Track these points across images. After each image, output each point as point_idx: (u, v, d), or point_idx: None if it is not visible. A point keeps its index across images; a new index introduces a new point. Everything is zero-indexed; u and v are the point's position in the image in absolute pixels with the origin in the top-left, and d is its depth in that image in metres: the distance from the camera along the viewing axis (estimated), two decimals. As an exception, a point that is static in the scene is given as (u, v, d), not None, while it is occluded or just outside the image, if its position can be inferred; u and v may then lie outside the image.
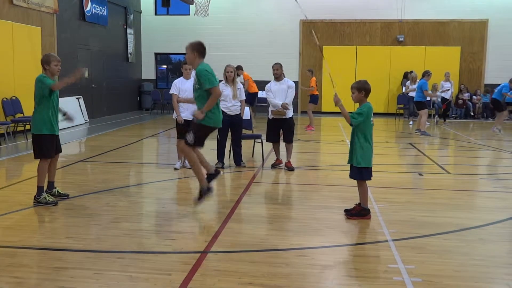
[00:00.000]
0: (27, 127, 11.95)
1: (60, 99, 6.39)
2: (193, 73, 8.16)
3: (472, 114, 19.56)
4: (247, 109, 9.31)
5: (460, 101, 19.34)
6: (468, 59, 19.98)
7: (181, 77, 8.37)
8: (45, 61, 6.10)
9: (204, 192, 5.91)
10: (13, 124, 11.87)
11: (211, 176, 6.01)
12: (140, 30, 21.23)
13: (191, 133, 5.85)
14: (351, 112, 5.61)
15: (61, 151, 6.49)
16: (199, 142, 5.89)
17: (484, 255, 4.64)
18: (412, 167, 9.52)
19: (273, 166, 8.77)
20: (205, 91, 5.76)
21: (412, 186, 7.79)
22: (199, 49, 5.83)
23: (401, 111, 19.39)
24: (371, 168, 5.69)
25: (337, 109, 5.88)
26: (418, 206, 6.32)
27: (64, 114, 6.46)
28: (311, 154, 11.08)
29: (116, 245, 4.78)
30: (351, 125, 5.64)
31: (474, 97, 19.72)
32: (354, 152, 5.64)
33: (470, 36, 19.87)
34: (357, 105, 5.73)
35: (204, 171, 6.01)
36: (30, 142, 6.52)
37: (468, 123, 18.09)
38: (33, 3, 13.39)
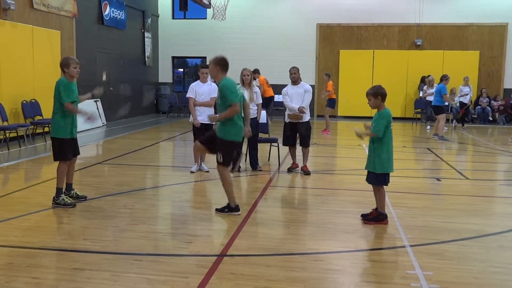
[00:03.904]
0: (46, 129, 12.11)
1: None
2: (210, 81, 8.25)
3: (490, 119, 19.29)
4: (263, 113, 9.32)
5: (501, 107, 18.98)
6: (487, 63, 19.75)
7: (198, 81, 8.41)
8: (64, 64, 6.17)
9: (230, 209, 5.98)
10: (32, 126, 12.02)
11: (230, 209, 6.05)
12: (158, 34, 21.38)
13: (219, 153, 5.94)
14: (374, 127, 5.54)
15: (79, 154, 6.56)
16: (228, 158, 5.96)
17: (504, 263, 4.57)
18: (429, 172, 9.43)
19: (289, 170, 8.75)
20: (227, 105, 5.85)
21: (430, 192, 7.71)
22: (221, 63, 5.96)
23: (419, 116, 19.23)
24: (389, 173, 5.65)
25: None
26: (436, 212, 6.25)
27: (89, 117, 6.51)
28: (327, 158, 11.03)
29: (133, 247, 4.81)
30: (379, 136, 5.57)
31: (493, 102, 19.46)
32: (374, 158, 5.58)
33: (489, 40, 19.64)
34: (375, 110, 5.69)
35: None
36: (49, 144, 6.60)
37: (486, 128, 17.87)
38: (53, 7, 13.57)
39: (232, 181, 6.08)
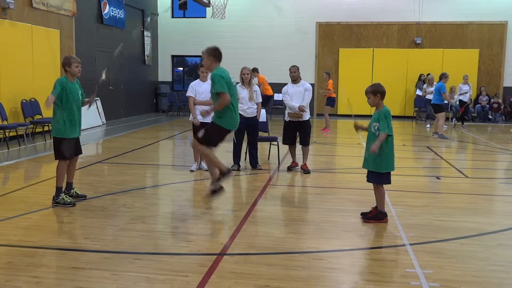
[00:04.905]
0: (46, 128, 12.11)
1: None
2: (210, 79, 8.23)
3: (490, 117, 19.28)
4: (263, 111, 9.32)
5: (495, 105, 18.97)
6: (487, 61, 19.74)
7: (198, 79, 8.41)
8: (66, 63, 6.17)
9: (224, 175, 5.96)
10: (32, 125, 12.02)
11: (223, 175, 6.04)
12: (157, 32, 21.37)
13: (202, 130, 5.99)
14: (382, 128, 5.49)
15: (81, 153, 6.56)
16: (209, 140, 5.95)
17: (504, 261, 4.57)
18: (429, 171, 9.43)
19: (289, 169, 8.76)
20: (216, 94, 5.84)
21: (430, 190, 7.72)
22: (215, 54, 5.93)
23: (420, 114, 19.14)
24: (391, 172, 5.65)
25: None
26: (436, 210, 6.25)
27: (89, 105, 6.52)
28: (327, 156, 11.04)
29: (133, 246, 4.81)
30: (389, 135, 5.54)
31: (492, 100, 19.43)
32: (377, 157, 5.54)
33: (489, 39, 19.63)
34: (374, 108, 5.69)
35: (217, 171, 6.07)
36: (49, 143, 6.60)
37: (486, 126, 17.88)
38: (52, 6, 13.56)
39: (213, 153, 6.02)
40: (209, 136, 5.94)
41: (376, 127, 5.55)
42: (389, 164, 5.57)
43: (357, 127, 5.90)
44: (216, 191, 6.03)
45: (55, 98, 5.99)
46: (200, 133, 5.97)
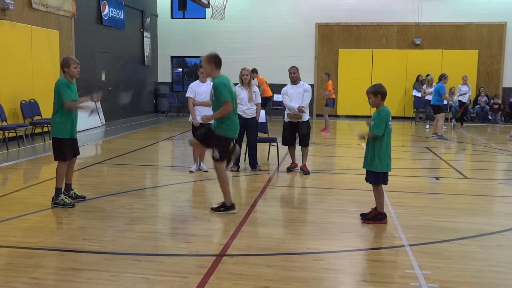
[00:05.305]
0: (45, 129, 12.10)
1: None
2: (209, 81, 8.24)
3: (490, 118, 19.28)
4: (262, 112, 9.32)
5: (496, 106, 18.98)
6: (486, 62, 19.75)
7: (197, 80, 8.41)
8: (65, 64, 6.17)
9: (226, 208, 5.99)
10: (31, 126, 12.01)
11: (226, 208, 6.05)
12: (157, 33, 21.37)
13: (215, 149, 5.92)
14: (372, 128, 5.57)
15: (79, 154, 6.56)
16: (225, 155, 5.97)
17: (503, 262, 4.57)
18: (428, 171, 9.43)
19: (289, 170, 8.76)
20: (221, 103, 5.85)
21: (429, 191, 7.71)
22: (215, 60, 5.95)
23: (420, 115, 19.15)
24: (388, 172, 5.66)
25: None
26: (435, 211, 6.25)
27: (92, 111, 6.54)
28: (326, 157, 11.04)
29: (132, 247, 4.81)
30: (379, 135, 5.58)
31: (492, 100, 19.43)
32: (372, 157, 5.60)
33: (488, 39, 19.64)
34: (374, 109, 5.70)
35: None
36: (48, 144, 6.60)
37: (485, 127, 17.88)
38: (51, 7, 13.56)
39: (228, 179, 6.07)
40: (223, 151, 5.92)
41: (371, 125, 5.60)
42: (383, 164, 5.57)
43: (363, 136, 5.83)
44: (225, 208, 6.02)
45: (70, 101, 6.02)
46: (216, 154, 5.91)
